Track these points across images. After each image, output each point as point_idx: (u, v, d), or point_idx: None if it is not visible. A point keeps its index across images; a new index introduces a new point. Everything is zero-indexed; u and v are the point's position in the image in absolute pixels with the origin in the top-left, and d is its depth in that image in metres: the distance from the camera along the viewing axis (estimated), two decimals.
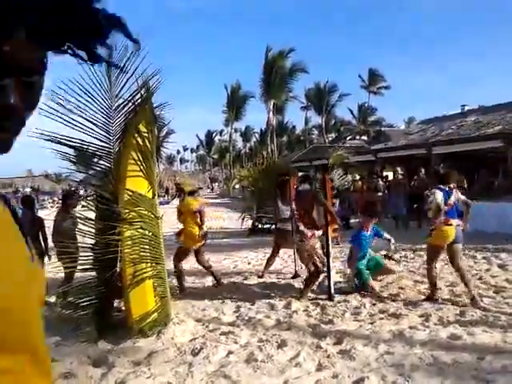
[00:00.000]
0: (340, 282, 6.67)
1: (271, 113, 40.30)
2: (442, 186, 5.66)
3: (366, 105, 54.74)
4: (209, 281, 7.17)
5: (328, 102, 51.28)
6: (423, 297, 5.82)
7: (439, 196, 5.54)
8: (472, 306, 5.28)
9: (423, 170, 15.82)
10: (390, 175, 19.44)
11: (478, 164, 17.85)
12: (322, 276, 6.19)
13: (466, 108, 25.57)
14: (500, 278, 6.79)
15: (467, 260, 8.35)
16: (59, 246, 5.88)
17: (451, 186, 5.74)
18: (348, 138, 50.31)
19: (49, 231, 6.57)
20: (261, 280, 7.17)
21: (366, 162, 22.03)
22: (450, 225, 5.51)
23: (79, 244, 5.41)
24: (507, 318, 4.83)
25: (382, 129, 43.88)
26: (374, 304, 5.63)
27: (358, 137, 50.39)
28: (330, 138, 55.31)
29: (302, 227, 5.81)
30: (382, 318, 5.06)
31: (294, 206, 6.01)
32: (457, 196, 5.69)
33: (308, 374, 3.71)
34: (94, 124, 4.93)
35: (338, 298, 5.84)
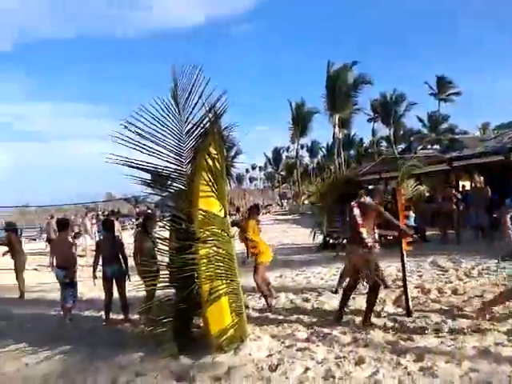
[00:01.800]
0: (418, 298, 6.43)
1: (336, 127, 40.00)
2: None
3: (437, 113, 52.78)
4: (283, 297, 7.19)
5: (396, 112, 50.05)
6: (507, 312, 5.48)
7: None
8: None
9: (481, 178, 14.96)
10: (467, 185, 18.51)
11: None
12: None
13: None
14: None
15: None
16: (142, 266, 6.18)
17: None
18: (419, 148, 48.61)
19: (129, 251, 6.96)
20: (335, 295, 7.08)
21: (440, 171, 21.18)
22: None
23: (158, 263, 5.68)
24: None
25: (456, 136, 42.09)
26: (456, 319, 5.38)
27: (429, 146, 48.58)
28: (400, 149, 53.77)
29: (365, 234, 5.54)
30: (464, 334, 4.82)
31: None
32: None
33: None
34: (167, 148, 5.26)
35: (416, 314, 5.63)
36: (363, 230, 5.36)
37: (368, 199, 5.68)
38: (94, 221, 20.55)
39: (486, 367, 3.88)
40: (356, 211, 5.46)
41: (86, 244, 17.32)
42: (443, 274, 8.20)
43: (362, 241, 5.35)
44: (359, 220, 5.41)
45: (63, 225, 7.69)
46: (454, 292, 6.78)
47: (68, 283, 6.99)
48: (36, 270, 11.07)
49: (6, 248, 9.87)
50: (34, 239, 24.99)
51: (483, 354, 4.20)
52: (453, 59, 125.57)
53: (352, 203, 5.61)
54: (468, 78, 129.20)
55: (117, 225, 16.39)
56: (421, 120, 54.14)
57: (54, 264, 7.26)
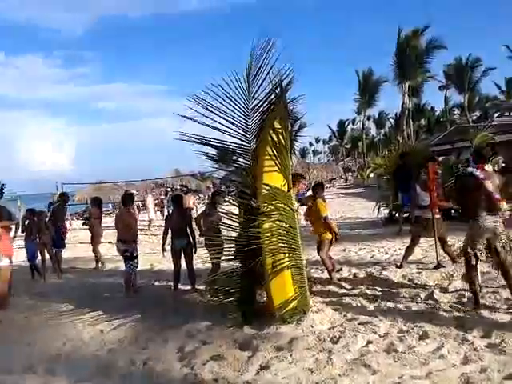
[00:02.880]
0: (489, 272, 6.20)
1: (406, 96, 38.32)
2: None
3: None
4: (345, 271, 7.21)
5: (470, 78, 47.04)
6: None
7: None
8: None
9: None
10: None
11: None
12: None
13: None
14: None
15: None
16: (207, 239, 6.44)
17: None
18: (496, 116, 45.60)
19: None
20: (399, 270, 6.99)
21: None
22: None
23: (223, 237, 5.89)
24: None
25: None
26: None
27: (506, 113, 45.44)
28: (474, 117, 50.73)
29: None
30: None
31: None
32: None
33: (453, 366, 3.59)
34: (234, 124, 5.35)
35: (485, 290, 5.44)
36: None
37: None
38: (164, 196, 21.36)
39: None
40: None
41: (150, 218, 18.17)
42: None
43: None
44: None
45: (127, 199, 7.99)
46: None
47: (128, 256, 7.20)
48: (110, 242, 11.74)
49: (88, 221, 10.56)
50: (109, 213, 26.38)
51: None
52: None
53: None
54: None
55: (193, 199, 17.06)
56: (498, 86, 50.66)
57: (116, 237, 7.59)
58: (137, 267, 7.37)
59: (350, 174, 61.06)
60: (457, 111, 59.65)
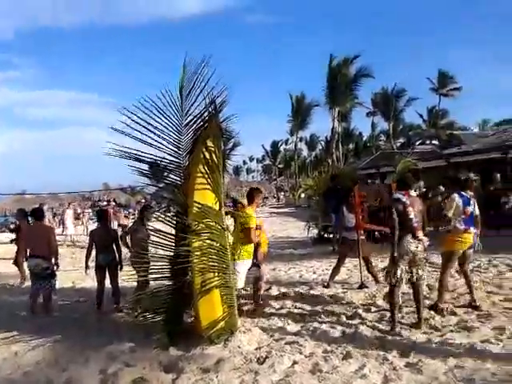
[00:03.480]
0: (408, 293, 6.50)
1: (336, 120, 39.93)
2: (462, 193, 5.64)
3: (437, 108, 52.71)
4: (274, 289, 7.27)
5: (396, 106, 49.92)
6: (495, 309, 5.57)
7: (459, 201, 5.56)
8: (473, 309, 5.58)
9: (498, 176, 15.04)
10: None
11: None
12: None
13: None
14: None
15: None
16: (133, 256, 6.25)
17: (470, 193, 5.72)
18: (418, 143, 48.55)
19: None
20: (326, 290, 7.16)
21: (437, 167, 21.23)
22: (469, 232, 5.63)
23: (151, 254, 5.73)
24: None
25: (454, 132, 42.04)
26: (444, 316, 5.45)
27: (428, 141, 48.54)
28: (398, 144, 53.70)
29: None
30: (452, 331, 4.90)
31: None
32: (474, 205, 5.69)
33: None
34: (166, 140, 5.26)
35: (405, 309, 5.70)
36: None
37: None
38: (89, 210, 20.68)
39: (471, 364, 3.95)
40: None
41: (67, 233, 17.51)
42: (435, 271, 8.26)
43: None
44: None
45: (37, 213, 7.56)
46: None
47: (49, 274, 6.76)
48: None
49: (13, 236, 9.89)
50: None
51: (469, 350, 4.27)
52: (454, 54, 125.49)
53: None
54: (468, 74, 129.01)
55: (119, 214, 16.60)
56: (420, 115, 54.13)
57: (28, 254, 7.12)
58: (55, 285, 6.96)
59: (283, 193, 62.22)
60: (383, 137, 62.88)
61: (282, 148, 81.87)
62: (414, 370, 3.91)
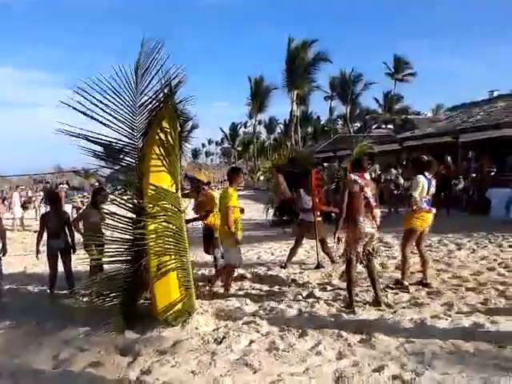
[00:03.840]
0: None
1: (294, 103, 40.16)
2: (426, 174, 5.77)
3: (392, 93, 53.86)
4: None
5: (353, 91, 50.66)
6: (444, 286, 5.82)
7: (424, 183, 5.69)
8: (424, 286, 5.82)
9: (449, 158, 15.58)
10: None
11: (507, 151, 17.42)
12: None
13: (495, 93, 24.94)
14: None
15: (493, 248, 8.26)
16: (86, 239, 6.10)
17: (431, 174, 5.87)
18: (373, 127, 49.64)
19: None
20: (283, 271, 7.26)
21: (392, 151, 21.80)
22: (431, 212, 5.81)
23: (106, 237, 5.60)
24: None
25: (409, 117, 43.18)
26: (397, 293, 5.64)
27: (383, 126, 49.68)
28: (355, 128, 54.71)
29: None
30: (403, 307, 5.08)
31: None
32: (434, 186, 5.86)
33: (328, 362, 3.78)
34: (120, 120, 5.09)
35: (359, 288, 5.84)
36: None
37: None
38: (40, 193, 19.99)
39: (421, 338, 4.10)
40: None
41: (15, 217, 16.92)
42: (388, 250, 8.54)
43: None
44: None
45: None
46: (397, 267, 7.09)
47: None
48: None
49: None
50: None
51: (420, 325, 4.44)
52: (409, 41, 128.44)
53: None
54: (423, 60, 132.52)
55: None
56: (376, 100, 55.21)
57: None
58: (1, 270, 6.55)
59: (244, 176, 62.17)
60: (340, 121, 63.80)
61: (241, 131, 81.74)
62: (367, 346, 4.03)
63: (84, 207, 12.89)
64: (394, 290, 5.71)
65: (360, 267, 5.50)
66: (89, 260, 5.77)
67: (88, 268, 6.28)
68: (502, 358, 3.59)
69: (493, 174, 15.60)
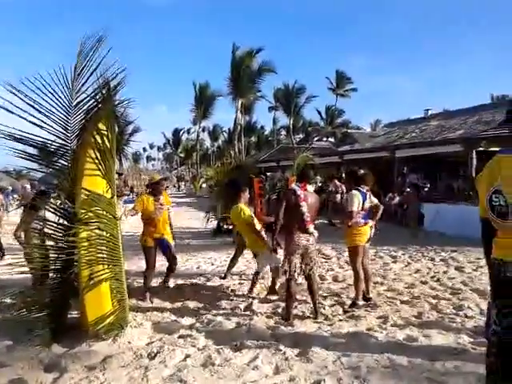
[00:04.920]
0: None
1: (239, 112, 40.26)
2: (360, 188, 5.71)
3: (334, 107, 55.44)
4: (170, 282, 7.05)
5: (296, 103, 51.55)
6: (380, 299, 5.91)
7: (360, 197, 5.62)
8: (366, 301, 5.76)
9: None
10: None
11: (440, 167, 18.32)
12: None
13: (430, 112, 26.22)
14: (457, 280, 6.98)
15: (426, 262, 8.57)
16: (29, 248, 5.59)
17: (367, 188, 5.78)
18: (315, 140, 50.75)
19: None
20: (223, 281, 7.13)
21: (332, 163, 22.29)
22: (368, 226, 5.73)
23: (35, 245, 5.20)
24: (461, 320, 4.97)
25: (349, 131, 44.54)
26: (334, 305, 5.68)
27: (325, 138, 50.96)
28: (298, 139, 55.73)
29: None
30: (340, 320, 5.11)
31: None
32: (370, 199, 5.80)
33: (265, 377, 3.69)
34: (52, 120, 4.77)
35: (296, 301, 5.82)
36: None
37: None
38: None
39: (357, 352, 4.11)
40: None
41: None
42: (326, 262, 8.64)
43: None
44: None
45: None
46: (335, 279, 7.18)
47: None
48: None
49: None
50: None
51: (356, 339, 4.46)
52: (351, 57, 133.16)
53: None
54: (366, 76, 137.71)
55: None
56: (319, 112, 56.59)
57: None
58: None
59: (183, 183, 61.49)
60: (283, 132, 64.86)
61: (184, 137, 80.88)
62: (304, 360, 3.97)
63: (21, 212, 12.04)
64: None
65: (300, 280, 5.46)
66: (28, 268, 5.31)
67: (14, 276, 5.82)
68: (435, 372, 3.66)
69: (426, 189, 16.30)
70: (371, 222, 5.79)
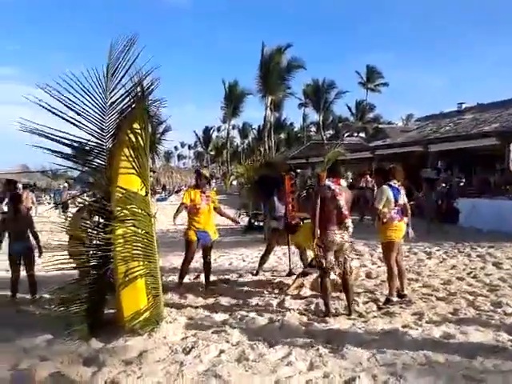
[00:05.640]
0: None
1: (268, 109, 40.25)
2: (391, 183, 5.61)
3: (364, 102, 54.73)
4: (203, 278, 7.14)
5: (326, 99, 51.12)
6: (415, 295, 5.82)
7: (389, 193, 5.51)
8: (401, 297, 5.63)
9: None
10: None
11: (475, 161, 17.84)
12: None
13: (464, 106, 25.57)
14: (494, 276, 6.80)
15: (462, 258, 8.38)
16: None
17: (398, 183, 5.67)
18: (346, 135, 50.25)
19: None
20: (255, 278, 7.16)
21: (363, 159, 22.04)
22: (403, 222, 5.63)
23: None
24: (500, 317, 4.85)
25: (380, 126, 43.90)
26: (368, 302, 5.62)
27: (355, 134, 50.40)
28: (328, 135, 55.28)
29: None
30: (375, 317, 5.05)
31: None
32: (403, 196, 5.67)
33: (299, 373, 3.68)
34: (88, 120, 4.90)
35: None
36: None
37: None
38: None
39: (393, 349, 4.05)
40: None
41: None
42: (358, 258, 8.56)
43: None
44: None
45: None
46: (368, 276, 7.10)
47: None
48: None
49: None
50: None
51: (391, 335, 4.41)
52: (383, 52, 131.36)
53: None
54: (395, 72, 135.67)
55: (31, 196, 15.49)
56: (349, 108, 56.00)
57: None
58: None
59: (214, 180, 61.97)
60: (313, 128, 64.43)
61: (214, 135, 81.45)
62: (338, 356, 3.95)
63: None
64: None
65: (332, 276, 5.43)
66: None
67: (53, 273, 6.00)
68: (473, 370, 3.58)
69: (461, 184, 15.90)
70: (406, 219, 5.69)
